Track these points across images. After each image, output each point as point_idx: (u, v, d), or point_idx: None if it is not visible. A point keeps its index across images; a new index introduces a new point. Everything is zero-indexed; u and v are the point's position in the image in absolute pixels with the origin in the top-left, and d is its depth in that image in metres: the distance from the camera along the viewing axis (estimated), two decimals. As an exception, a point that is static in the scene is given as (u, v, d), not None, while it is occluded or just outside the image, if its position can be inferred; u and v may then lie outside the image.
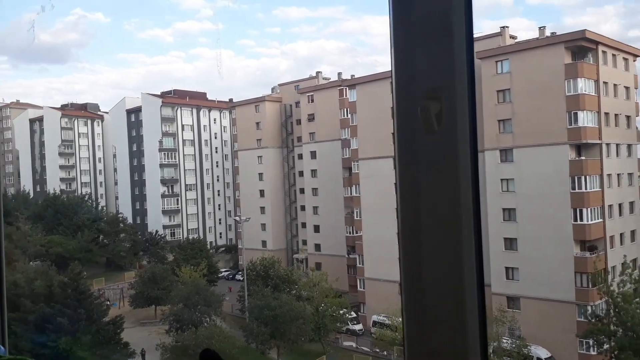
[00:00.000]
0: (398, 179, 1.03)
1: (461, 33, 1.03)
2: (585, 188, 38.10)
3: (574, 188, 38.19)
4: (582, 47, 39.38)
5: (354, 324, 44.51)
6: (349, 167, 56.30)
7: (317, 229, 62.29)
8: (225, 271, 68.70)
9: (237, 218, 57.71)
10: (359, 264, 51.04)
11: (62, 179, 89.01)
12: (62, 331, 33.11)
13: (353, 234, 54.87)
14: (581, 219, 37.70)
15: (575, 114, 38.56)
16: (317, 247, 62.09)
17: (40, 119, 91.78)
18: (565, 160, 38.61)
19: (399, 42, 1.03)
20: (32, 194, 79.58)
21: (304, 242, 64.62)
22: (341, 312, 40.81)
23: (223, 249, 79.19)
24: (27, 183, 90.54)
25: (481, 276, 1.06)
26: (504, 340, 33.79)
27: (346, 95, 56.59)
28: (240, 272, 62.23)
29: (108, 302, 46.10)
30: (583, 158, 38.77)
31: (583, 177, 38.17)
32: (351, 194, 54.81)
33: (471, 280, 1.03)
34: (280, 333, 36.30)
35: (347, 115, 56.14)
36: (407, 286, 1.04)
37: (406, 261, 1.05)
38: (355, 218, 52.55)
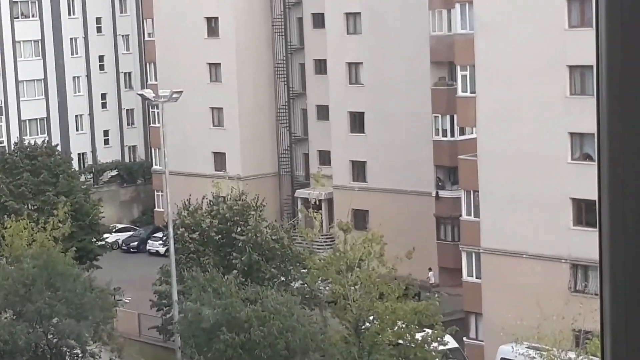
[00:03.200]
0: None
1: None
2: None
3: None
4: None
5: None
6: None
7: (357, 124, 62.46)
8: (121, 230, 70.69)
9: (149, 93, 57.50)
10: (467, 214, 53.61)
11: None
12: None
13: (453, 136, 57.20)
14: None
15: None
16: (358, 170, 64.13)
17: None
18: None
19: None
20: None
21: (324, 159, 65.85)
22: (419, 336, 43.20)
23: (114, 172, 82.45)
24: None
25: None
26: None
27: None
28: (160, 233, 64.15)
29: None
30: None
31: None
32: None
33: None
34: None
35: None
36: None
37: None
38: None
